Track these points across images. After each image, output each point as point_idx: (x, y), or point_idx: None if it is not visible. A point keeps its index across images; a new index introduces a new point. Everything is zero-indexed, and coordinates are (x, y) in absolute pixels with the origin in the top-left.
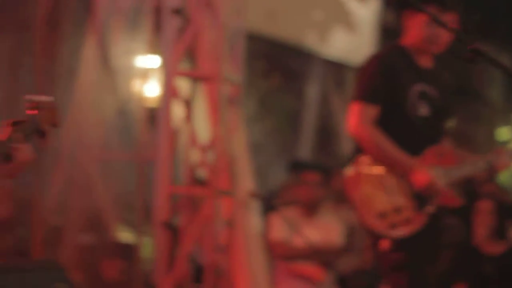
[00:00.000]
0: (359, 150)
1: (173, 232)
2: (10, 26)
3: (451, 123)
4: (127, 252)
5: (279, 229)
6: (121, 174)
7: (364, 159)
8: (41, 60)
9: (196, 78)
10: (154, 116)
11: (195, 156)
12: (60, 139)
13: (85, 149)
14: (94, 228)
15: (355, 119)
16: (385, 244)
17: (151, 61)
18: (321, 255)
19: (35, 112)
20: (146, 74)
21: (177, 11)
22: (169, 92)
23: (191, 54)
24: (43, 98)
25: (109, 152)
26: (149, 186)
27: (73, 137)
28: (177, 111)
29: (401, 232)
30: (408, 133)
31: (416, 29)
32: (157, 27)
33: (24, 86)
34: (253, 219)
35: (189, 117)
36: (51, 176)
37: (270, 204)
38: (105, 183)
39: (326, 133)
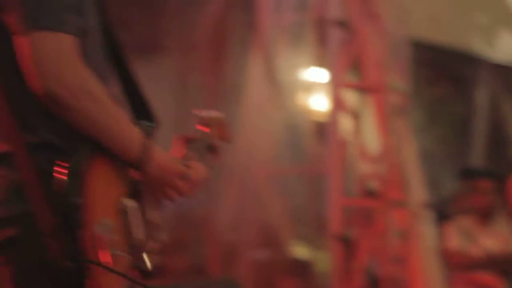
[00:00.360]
0: None
1: (347, 245)
2: (177, 47)
3: None
4: (303, 267)
5: (455, 239)
6: (293, 188)
7: None
8: (208, 78)
9: (362, 89)
10: (323, 129)
11: (365, 167)
12: (231, 155)
13: (256, 165)
14: (269, 244)
15: None
16: None
17: (317, 74)
18: (498, 264)
19: (207, 128)
20: (312, 88)
21: (341, 23)
22: (337, 104)
23: (356, 65)
24: (214, 114)
25: (280, 167)
26: (321, 199)
27: (243, 154)
28: (345, 123)
29: None
30: None
31: None
32: (321, 39)
33: (192, 103)
34: (427, 229)
35: (357, 128)
36: (224, 194)
37: (443, 213)
38: (277, 198)
39: (497, 139)
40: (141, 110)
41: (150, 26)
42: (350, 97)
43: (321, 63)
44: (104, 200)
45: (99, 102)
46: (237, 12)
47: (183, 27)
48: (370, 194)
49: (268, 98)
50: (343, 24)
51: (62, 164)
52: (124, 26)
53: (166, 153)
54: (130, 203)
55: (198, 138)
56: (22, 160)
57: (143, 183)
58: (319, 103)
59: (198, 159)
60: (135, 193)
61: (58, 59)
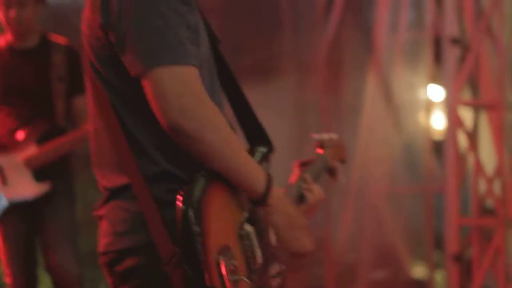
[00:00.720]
0: None
1: (465, 265)
2: (293, 67)
3: None
4: (420, 287)
5: None
6: (409, 207)
7: None
8: (325, 99)
9: (479, 107)
10: (440, 147)
11: (482, 186)
12: (348, 176)
13: (374, 184)
14: (387, 264)
15: None
16: None
17: (434, 92)
18: None
19: (323, 150)
20: (430, 106)
21: (456, 40)
22: (453, 122)
23: (473, 82)
24: (330, 135)
25: (397, 186)
26: (437, 219)
27: (360, 174)
28: (462, 141)
29: None
30: None
31: None
32: (437, 57)
33: (310, 124)
34: None
35: (474, 146)
36: (341, 214)
37: None
38: (394, 217)
39: None
40: (256, 135)
41: (266, 49)
42: (467, 115)
43: (438, 81)
44: (223, 227)
45: (223, 133)
46: (353, 32)
47: (299, 49)
48: (488, 212)
49: (385, 118)
50: (458, 42)
51: (181, 193)
52: (241, 50)
53: (283, 197)
54: (248, 228)
55: (315, 160)
56: (141, 191)
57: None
58: (436, 121)
59: (315, 181)
60: (252, 218)
61: (182, 91)
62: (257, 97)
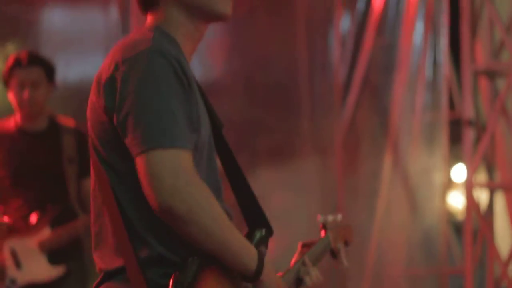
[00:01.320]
0: None
1: None
2: (311, 149)
3: None
4: None
5: None
6: None
7: None
8: (342, 181)
9: (495, 188)
10: (458, 228)
11: (497, 268)
12: (364, 259)
13: (389, 267)
14: None
15: None
16: None
17: (451, 174)
18: None
19: (326, 231)
20: (446, 188)
21: (471, 122)
22: (470, 203)
23: (488, 163)
24: (335, 217)
25: (414, 268)
26: None
27: (376, 256)
28: (478, 222)
29: None
30: None
31: None
32: (453, 139)
33: (327, 206)
34: None
35: (489, 228)
36: None
37: None
38: None
39: None
40: (255, 218)
41: (285, 130)
42: (484, 196)
43: (454, 163)
44: None
45: (214, 216)
46: (369, 114)
47: (317, 130)
48: None
49: (401, 199)
50: (473, 123)
51: (173, 278)
52: (259, 131)
53: (273, 271)
54: None
55: (317, 241)
56: (135, 275)
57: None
58: (454, 203)
59: (315, 263)
60: None
61: (174, 174)
62: (275, 178)
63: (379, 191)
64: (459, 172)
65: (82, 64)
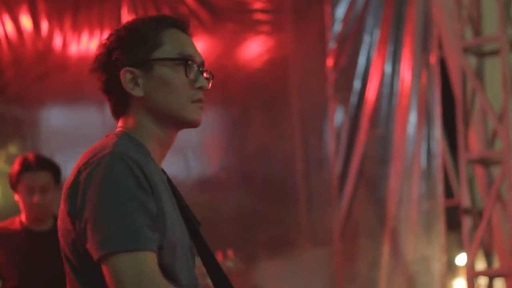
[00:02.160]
0: None
1: None
2: (309, 241)
3: None
4: None
5: None
6: None
7: None
8: (342, 271)
9: (494, 275)
10: None
11: None
12: None
13: None
14: None
15: None
16: None
17: (449, 262)
18: None
19: None
20: (444, 276)
21: (468, 211)
22: None
23: (486, 250)
24: None
25: None
26: None
27: None
28: None
29: None
30: None
31: None
32: (454, 226)
33: None
34: None
35: None
36: None
37: None
38: None
39: None
40: None
41: (282, 223)
42: (483, 283)
43: (451, 252)
44: None
45: None
46: (366, 205)
47: (314, 223)
48: None
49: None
50: (470, 211)
51: None
52: (257, 225)
53: None
54: None
55: None
56: None
57: None
58: None
59: None
60: None
61: (139, 278)
62: (275, 269)
63: (378, 280)
64: (458, 259)
65: None
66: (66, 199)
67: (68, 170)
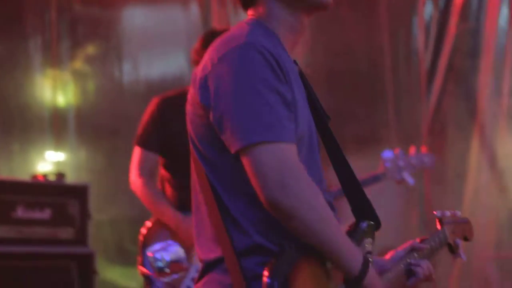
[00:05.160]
0: None
1: None
2: (396, 136)
3: None
4: None
5: None
6: None
7: None
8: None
9: None
10: None
11: None
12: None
13: (478, 251)
14: None
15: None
16: None
17: None
18: None
19: (441, 226)
20: None
21: None
22: None
23: None
24: (453, 212)
25: (503, 251)
26: None
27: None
28: None
29: None
30: None
31: None
32: None
33: (414, 193)
34: None
35: None
36: (446, 282)
37: None
38: (503, 284)
39: None
40: (362, 209)
41: (370, 118)
42: None
43: None
44: None
45: (319, 213)
46: (455, 99)
47: (403, 118)
48: None
49: (490, 183)
50: None
51: (269, 265)
52: (344, 119)
53: (376, 276)
54: None
55: (432, 235)
56: (232, 264)
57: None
58: None
59: (430, 256)
60: None
61: (280, 169)
62: (362, 166)
63: (466, 175)
64: None
65: (164, 62)
66: (199, 89)
67: (155, 69)
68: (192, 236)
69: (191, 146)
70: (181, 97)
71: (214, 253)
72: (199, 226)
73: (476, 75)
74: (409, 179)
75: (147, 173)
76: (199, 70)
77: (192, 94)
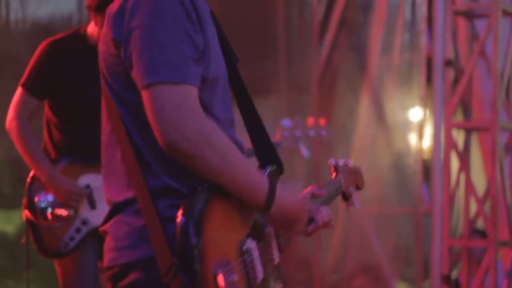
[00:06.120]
0: None
1: (454, 286)
2: (286, 87)
3: None
4: None
5: None
6: (398, 228)
7: None
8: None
9: (471, 129)
10: (430, 168)
11: (473, 207)
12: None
13: (362, 205)
14: (374, 285)
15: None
16: None
17: (426, 114)
18: None
19: (336, 174)
20: (421, 128)
21: (449, 63)
22: (445, 144)
23: (464, 104)
24: (346, 161)
25: (386, 207)
26: (427, 240)
27: None
28: (453, 162)
29: None
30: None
31: None
32: (430, 80)
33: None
34: None
35: (465, 168)
36: (328, 234)
37: None
38: (382, 238)
39: None
40: (267, 154)
41: (260, 67)
42: (458, 136)
43: (431, 103)
44: (224, 241)
45: (219, 150)
46: (346, 53)
47: (293, 69)
48: (479, 234)
49: (376, 139)
50: (451, 64)
51: (183, 205)
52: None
53: (290, 193)
54: (250, 244)
55: (328, 183)
56: (146, 205)
57: (266, 223)
58: (427, 143)
59: (327, 203)
60: (257, 233)
61: (178, 110)
62: None
63: (355, 130)
64: (434, 112)
65: (53, 2)
66: (112, 25)
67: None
68: (61, 192)
69: (103, 86)
70: (71, 39)
71: (124, 195)
72: (108, 166)
73: (368, 30)
74: (304, 151)
75: (25, 116)
76: (113, 6)
77: (105, 32)
